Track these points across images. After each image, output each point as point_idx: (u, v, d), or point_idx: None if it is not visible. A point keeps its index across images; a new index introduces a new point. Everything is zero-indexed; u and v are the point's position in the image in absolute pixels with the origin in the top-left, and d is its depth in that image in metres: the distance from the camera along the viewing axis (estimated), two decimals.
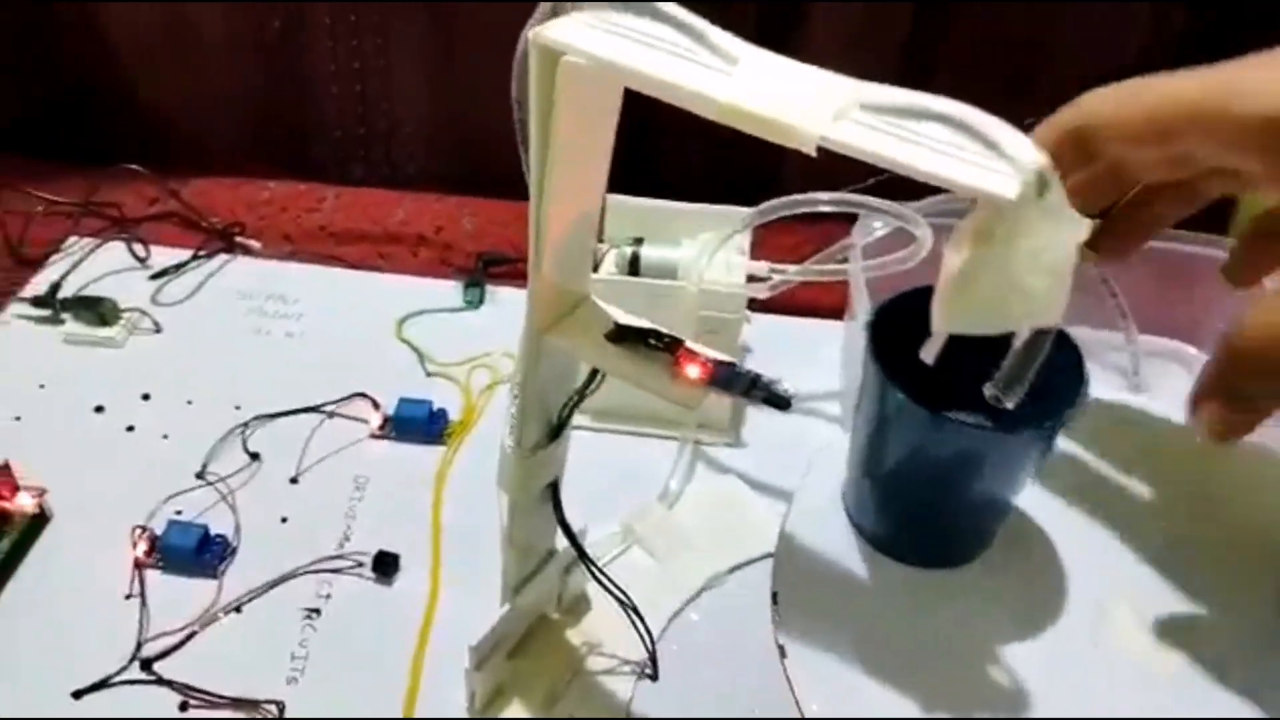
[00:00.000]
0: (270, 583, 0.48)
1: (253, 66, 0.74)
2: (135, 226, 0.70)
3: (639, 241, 0.56)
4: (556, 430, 0.38)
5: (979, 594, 0.38)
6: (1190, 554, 0.39)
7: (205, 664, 0.45)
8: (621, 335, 0.33)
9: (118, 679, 0.44)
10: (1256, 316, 0.29)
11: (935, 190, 0.24)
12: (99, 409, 0.57)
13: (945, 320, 0.25)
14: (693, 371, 0.32)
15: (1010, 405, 0.27)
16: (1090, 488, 0.41)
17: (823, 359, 0.62)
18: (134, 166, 0.69)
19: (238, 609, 0.47)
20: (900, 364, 0.32)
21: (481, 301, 0.66)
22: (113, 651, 0.45)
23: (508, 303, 0.66)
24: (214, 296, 0.65)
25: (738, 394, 0.32)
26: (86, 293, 0.63)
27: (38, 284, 0.64)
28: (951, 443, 0.34)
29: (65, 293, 0.63)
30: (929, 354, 0.26)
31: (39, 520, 0.50)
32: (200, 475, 0.53)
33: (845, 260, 0.54)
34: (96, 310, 0.61)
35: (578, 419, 0.37)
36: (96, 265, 0.67)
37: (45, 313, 0.62)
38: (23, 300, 0.62)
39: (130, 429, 0.56)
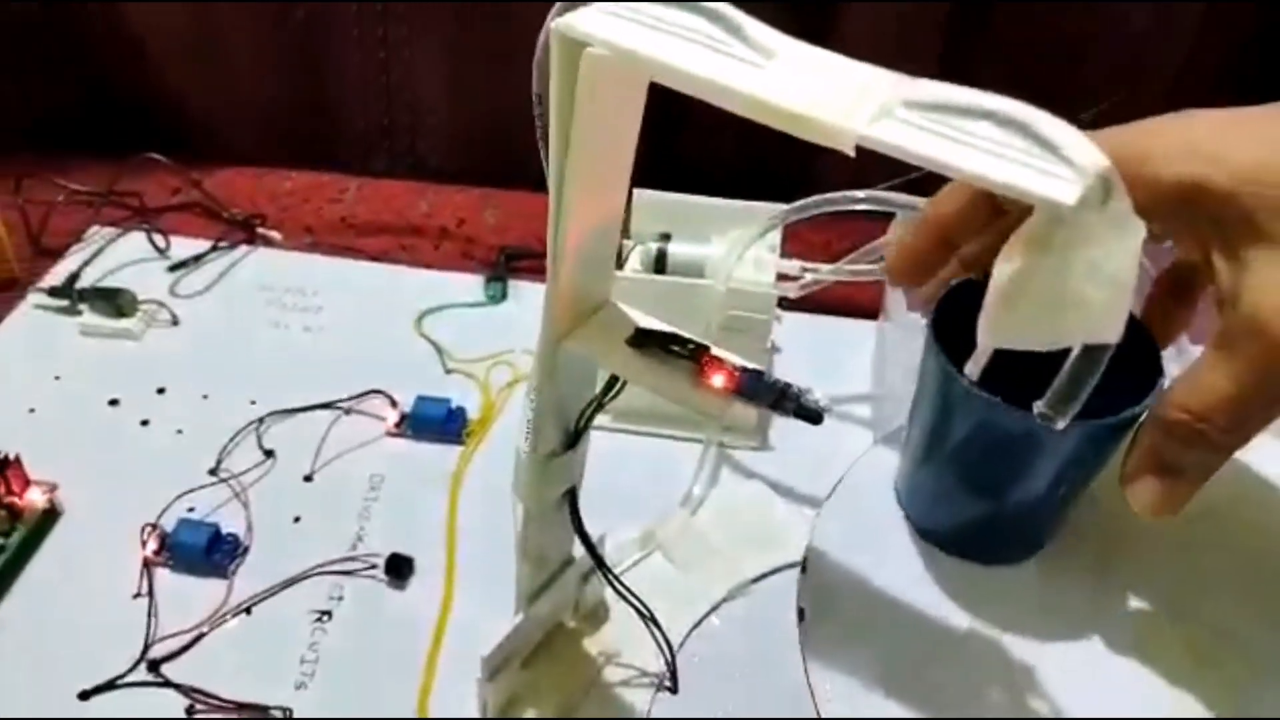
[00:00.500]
0: (281, 584, 0.47)
1: (277, 56, 0.73)
2: (156, 216, 0.69)
3: (666, 238, 0.54)
4: (574, 437, 0.36)
5: (1015, 607, 0.36)
6: (1252, 578, 0.37)
7: (213, 666, 0.44)
8: (643, 340, 0.32)
9: (124, 680, 0.43)
10: (1180, 388, 0.29)
11: None
12: (114, 402, 0.56)
13: (994, 334, 0.23)
14: (718, 381, 0.31)
15: (1061, 425, 0.25)
16: None
17: (854, 361, 0.60)
18: (156, 156, 0.68)
19: (247, 610, 0.46)
20: (963, 351, 0.30)
21: (504, 296, 0.65)
22: (120, 652, 0.44)
23: (530, 298, 0.65)
24: (233, 289, 0.65)
25: (766, 405, 0.30)
26: (105, 284, 0.63)
27: (57, 274, 0.63)
28: (1015, 432, 0.32)
29: (84, 283, 0.62)
30: (974, 368, 0.24)
31: (49, 516, 0.49)
32: (214, 472, 0.52)
33: (880, 260, 0.52)
34: (114, 302, 0.60)
35: (597, 418, 0.36)
36: (116, 255, 0.66)
37: (63, 303, 0.61)
38: (41, 290, 0.62)
39: (145, 423, 0.55)
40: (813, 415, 0.29)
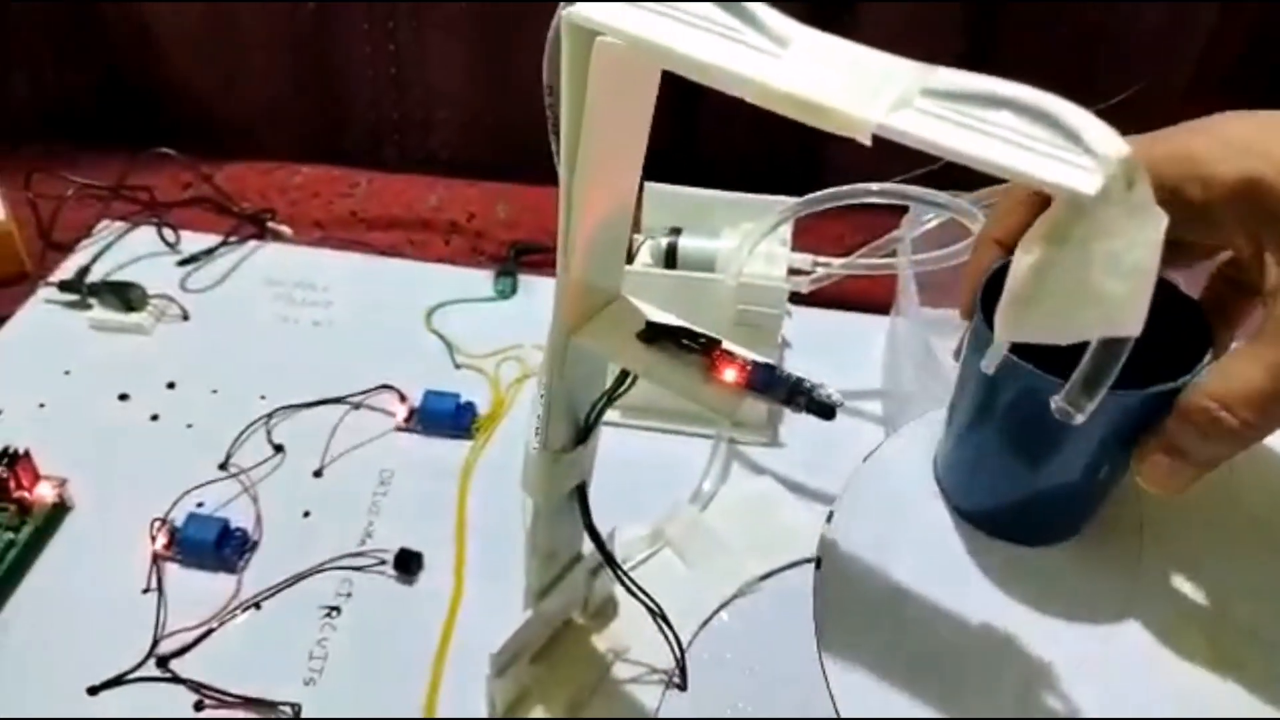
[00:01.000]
0: (290, 579, 0.47)
1: (287, 49, 0.73)
2: (166, 211, 0.69)
3: (676, 232, 0.54)
4: (584, 433, 0.36)
5: (1035, 601, 0.36)
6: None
7: (221, 662, 0.43)
8: (654, 335, 0.31)
9: (133, 676, 0.43)
10: (1212, 374, 0.29)
11: (990, 180, 0.22)
12: (124, 397, 0.56)
13: (1011, 327, 0.23)
14: (730, 375, 0.30)
15: (1080, 419, 0.25)
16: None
17: (866, 356, 0.60)
18: (166, 150, 0.68)
19: (256, 605, 0.46)
20: None
21: (513, 291, 0.65)
22: (129, 647, 0.44)
23: (541, 293, 0.64)
24: (243, 283, 0.64)
25: (778, 400, 0.30)
26: (115, 278, 0.63)
27: (67, 268, 0.63)
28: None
29: (94, 277, 0.62)
30: (990, 364, 0.23)
31: (59, 510, 0.49)
32: (223, 466, 0.52)
33: (893, 253, 0.52)
34: (124, 296, 0.60)
35: (607, 414, 0.35)
36: (126, 250, 0.66)
37: (73, 298, 0.61)
38: (51, 284, 0.62)
39: (154, 418, 0.55)
40: (826, 410, 0.29)
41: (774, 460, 0.54)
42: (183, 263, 0.65)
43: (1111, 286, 0.22)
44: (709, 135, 0.70)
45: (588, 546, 0.41)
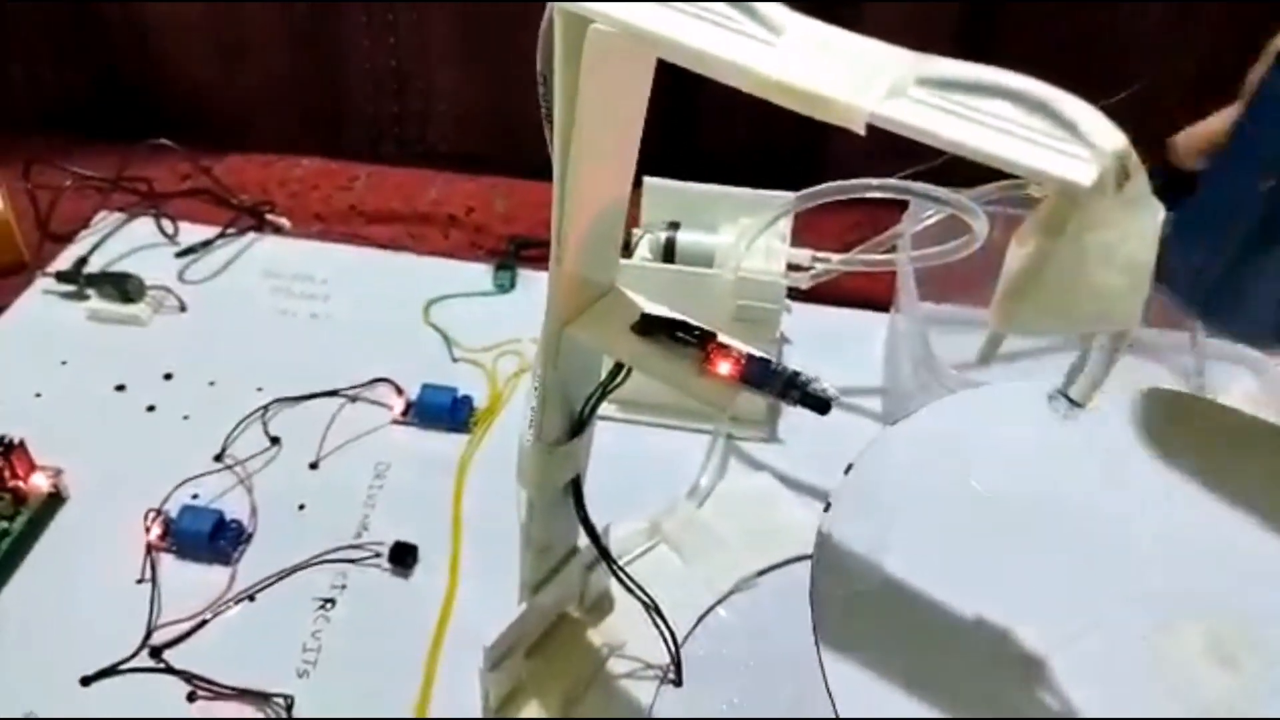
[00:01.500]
0: (284, 571, 0.47)
1: (287, 42, 0.73)
2: (165, 202, 0.69)
3: (675, 226, 0.53)
4: (579, 425, 0.35)
5: (1033, 595, 0.36)
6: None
7: (215, 653, 0.43)
8: (648, 327, 0.31)
9: (126, 666, 0.43)
10: None
11: (993, 176, 0.22)
12: (120, 388, 0.56)
13: (1006, 319, 0.23)
14: (724, 368, 0.30)
15: (1075, 413, 0.25)
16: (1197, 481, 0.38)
17: (865, 353, 0.60)
18: (165, 141, 0.68)
19: (250, 597, 0.46)
20: None
21: (512, 285, 0.65)
22: (122, 638, 0.43)
23: (539, 287, 0.62)
24: (241, 275, 0.64)
25: (773, 394, 0.30)
26: (113, 269, 0.62)
27: (65, 259, 0.63)
28: None
29: (92, 268, 0.62)
30: (984, 359, 0.23)
31: (54, 501, 0.49)
32: (219, 458, 0.52)
33: (893, 249, 0.51)
34: (122, 287, 0.60)
35: (603, 408, 0.35)
36: (125, 241, 0.66)
37: (71, 288, 0.61)
38: (49, 275, 0.61)
39: (151, 409, 0.54)
40: (820, 404, 0.29)
41: (772, 456, 0.54)
42: (181, 254, 0.65)
43: (1107, 279, 0.21)
44: (708, 129, 0.70)
45: (583, 540, 0.41)
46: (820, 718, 0.33)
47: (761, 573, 0.48)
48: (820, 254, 0.53)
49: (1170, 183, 0.36)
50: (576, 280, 0.31)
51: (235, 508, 0.49)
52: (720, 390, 0.30)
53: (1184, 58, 0.67)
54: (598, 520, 0.39)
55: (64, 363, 0.57)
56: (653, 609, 0.41)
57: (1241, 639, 0.33)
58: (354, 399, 0.55)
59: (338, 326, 0.61)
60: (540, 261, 0.66)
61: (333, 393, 0.55)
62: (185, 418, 0.54)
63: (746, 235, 0.51)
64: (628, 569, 0.41)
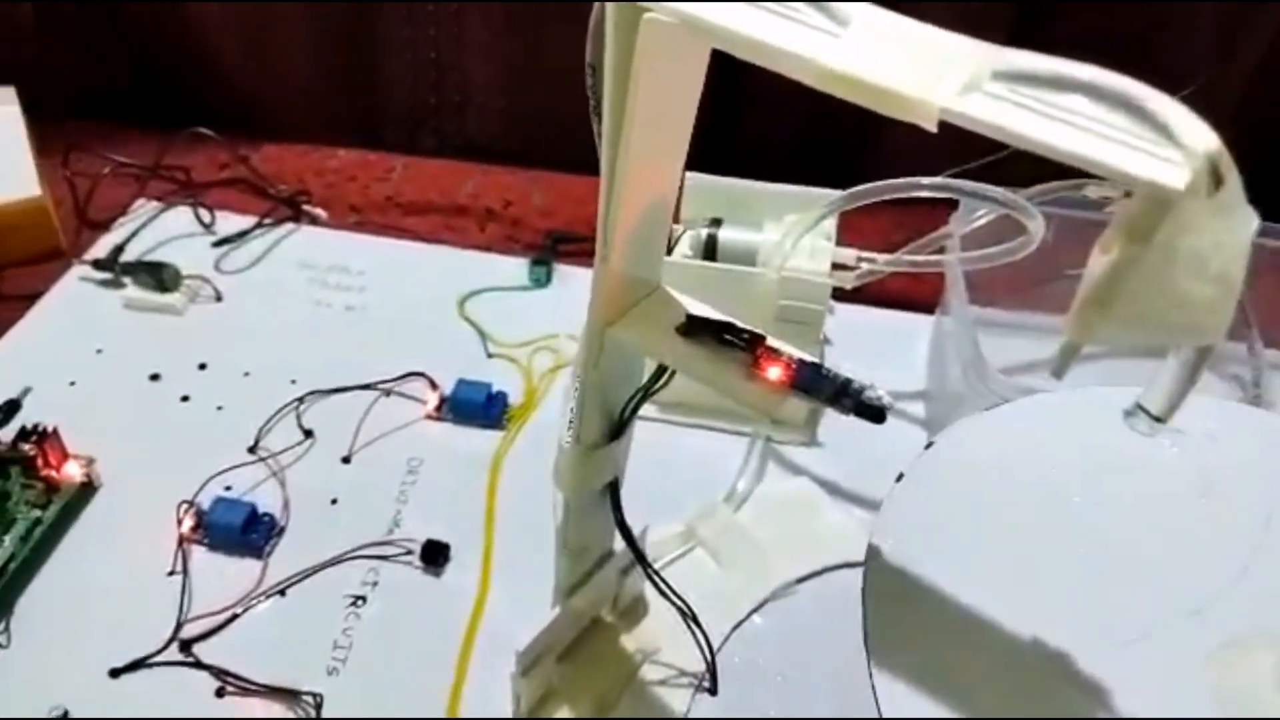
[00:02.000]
0: (316, 566, 0.46)
1: (326, 31, 0.73)
2: (203, 192, 0.69)
3: (717, 223, 0.52)
4: (619, 428, 0.34)
5: (1087, 610, 0.34)
6: None
7: (245, 648, 0.43)
8: (694, 329, 0.30)
9: (155, 659, 0.42)
10: None
11: (1046, 175, 0.20)
12: (155, 377, 0.55)
13: (1085, 329, 0.21)
14: (774, 373, 0.29)
15: (1156, 429, 0.23)
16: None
17: (909, 356, 0.58)
18: (204, 131, 0.68)
19: (281, 592, 0.45)
20: None
21: (548, 280, 0.64)
22: (152, 630, 0.43)
23: (576, 283, 0.63)
24: (277, 266, 0.64)
25: (823, 401, 0.28)
26: (150, 258, 0.62)
27: (102, 246, 0.63)
28: None
29: (128, 257, 0.62)
30: (1060, 371, 0.22)
31: (86, 490, 0.48)
32: (252, 450, 0.51)
33: (942, 250, 0.50)
34: (158, 276, 0.60)
35: (642, 409, 0.34)
36: (162, 230, 0.66)
37: (107, 276, 0.61)
38: (85, 263, 0.61)
39: (185, 399, 0.54)
40: (875, 413, 0.28)
41: (812, 460, 0.53)
42: (217, 244, 0.65)
43: (1196, 290, 0.20)
44: (752, 124, 0.68)
45: (618, 543, 0.40)
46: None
47: (800, 580, 0.47)
48: (865, 254, 0.52)
49: None
50: (622, 279, 0.30)
51: (268, 501, 0.48)
52: (768, 396, 0.29)
53: (1241, 54, 0.65)
54: (632, 522, 0.38)
55: (99, 351, 0.57)
56: (688, 615, 0.40)
57: None
58: (388, 393, 0.55)
59: (373, 319, 0.60)
60: (577, 257, 0.65)
61: (367, 386, 0.55)
62: (219, 408, 0.54)
63: (792, 233, 0.49)
64: (663, 573, 0.40)
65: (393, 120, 0.77)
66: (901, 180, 0.46)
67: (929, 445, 0.39)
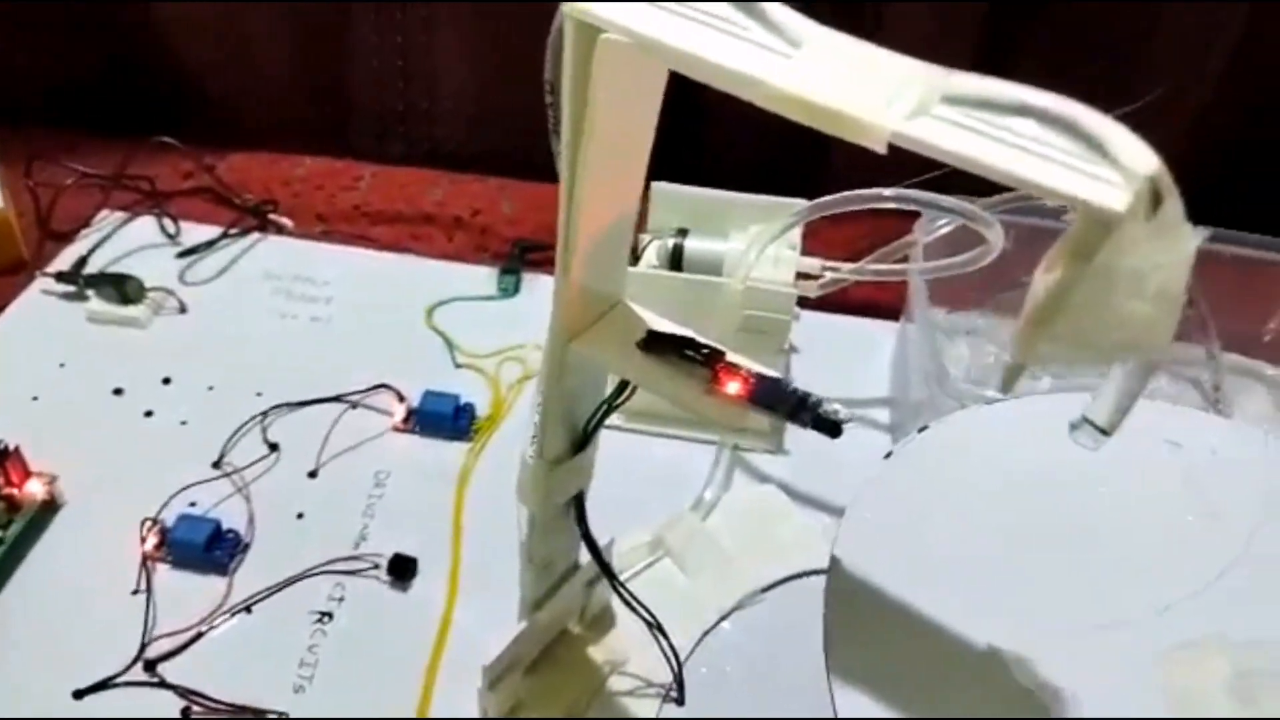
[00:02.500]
0: (282, 582, 0.46)
1: (293, 39, 0.72)
2: (167, 201, 0.68)
3: (683, 233, 0.52)
4: (583, 442, 0.35)
5: (1048, 622, 0.35)
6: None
7: (211, 666, 0.43)
8: (655, 344, 0.30)
9: (120, 680, 0.42)
10: None
11: (1006, 186, 0.21)
12: (118, 391, 0.55)
13: (1029, 349, 0.22)
14: (733, 388, 0.29)
15: (1101, 441, 0.24)
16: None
17: (874, 363, 0.59)
18: (168, 139, 0.67)
19: (247, 609, 0.45)
20: None
21: (517, 290, 0.64)
22: (117, 650, 0.43)
23: (544, 292, 0.62)
24: (242, 277, 0.63)
25: (782, 416, 0.29)
26: (114, 269, 0.62)
27: (65, 258, 0.62)
28: None
29: (92, 268, 0.61)
30: (1006, 387, 0.22)
31: (48, 508, 0.48)
32: (217, 465, 0.51)
33: (905, 259, 0.50)
34: (122, 288, 0.59)
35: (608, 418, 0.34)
36: (126, 241, 0.65)
37: (70, 288, 0.60)
38: (48, 275, 0.61)
39: (149, 414, 0.54)
40: (831, 427, 0.28)
41: (779, 468, 0.53)
42: (182, 255, 0.64)
43: (1137, 309, 0.20)
44: (717, 133, 0.69)
45: (584, 555, 0.40)
46: None
47: (767, 588, 0.47)
48: (830, 263, 0.52)
49: None
50: (583, 293, 0.30)
51: (233, 517, 0.48)
52: (728, 411, 0.29)
53: (1211, 59, 0.65)
54: (600, 533, 0.38)
55: (62, 365, 0.56)
56: (655, 627, 0.40)
57: (1271, 682, 0.32)
58: (355, 405, 0.54)
59: (339, 330, 0.60)
60: (546, 265, 0.65)
61: (333, 399, 0.54)
62: (183, 423, 0.53)
63: (757, 243, 0.50)
64: (630, 584, 0.40)
65: (360, 126, 0.76)
66: (865, 191, 0.46)
67: (888, 455, 0.39)
